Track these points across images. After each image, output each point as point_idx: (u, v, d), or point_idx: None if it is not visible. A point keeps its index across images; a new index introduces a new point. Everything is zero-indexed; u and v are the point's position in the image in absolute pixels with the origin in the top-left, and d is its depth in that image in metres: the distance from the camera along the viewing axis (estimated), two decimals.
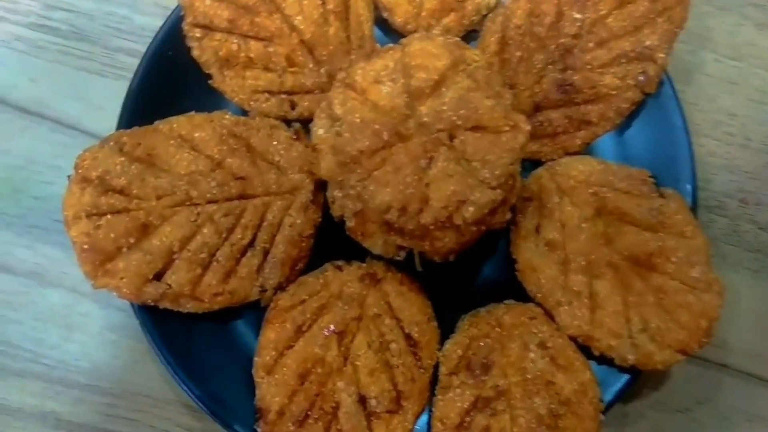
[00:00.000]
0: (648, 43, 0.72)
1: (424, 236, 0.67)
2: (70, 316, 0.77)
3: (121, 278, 0.66)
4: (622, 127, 0.76)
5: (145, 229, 0.67)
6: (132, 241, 0.66)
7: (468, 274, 0.76)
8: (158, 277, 0.67)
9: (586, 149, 0.76)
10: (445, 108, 0.63)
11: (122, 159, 0.68)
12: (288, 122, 0.75)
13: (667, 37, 0.72)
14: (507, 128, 0.65)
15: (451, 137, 0.61)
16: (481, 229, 0.67)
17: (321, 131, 0.69)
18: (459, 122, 0.63)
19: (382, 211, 0.65)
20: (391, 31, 0.80)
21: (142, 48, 0.76)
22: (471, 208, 0.63)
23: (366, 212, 0.68)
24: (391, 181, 0.61)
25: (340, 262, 0.73)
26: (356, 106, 0.65)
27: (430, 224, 0.64)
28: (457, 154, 0.63)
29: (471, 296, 0.75)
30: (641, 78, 0.73)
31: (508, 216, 0.69)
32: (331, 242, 0.73)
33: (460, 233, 0.66)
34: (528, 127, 0.65)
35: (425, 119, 0.63)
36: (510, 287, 0.72)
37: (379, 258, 0.69)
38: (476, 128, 0.64)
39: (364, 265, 0.73)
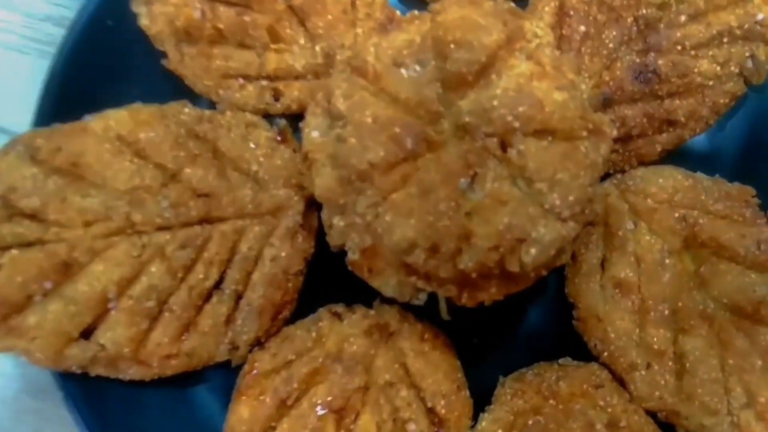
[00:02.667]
0: (760, 16, 0.62)
1: (461, 285, 0.53)
2: None
3: (33, 338, 0.56)
4: (716, 129, 0.67)
5: (67, 269, 0.56)
6: (49, 285, 0.56)
7: (509, 321, 0.67)
8: (87, 334, 0.57)
9: (668, 158, 0.66)
10: (495, 103, 0.49)
11: (35, 170, 0.56)
12: (271, 118, 0.65)
13: None
14: (585, 133, 0.50)
15: (505, 146, 0.50)
16: (542, 273, 0.53)
17: (316, 134, 0.54)
18: (516, 124, 0.49)
19: (403, 251, 0.50)
20: None
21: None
22: (533, 250, 0.49)
23: (378, 249, 0.53)
24: (416, 208, 0.49)
25: (339, 308, 0.63)
26: (367, 100, 0.51)
27: (472, 271, 0.50)
28: (513, 170, 0.50)
29: (513, 352, 0.66)
30: (749, 64, 0.63)
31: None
32: (327, 279, 0.63)
33: (512, 281, 0.52)
34: (614, 132, 0.52)
35: (467, 119, 0.50)
36: (565, 340, 0.63)
37: (391, 301, 0.59)
38: (542, 133, 0.49)
39: (371, 312, 0.62)
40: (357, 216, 0.52)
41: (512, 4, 0.54)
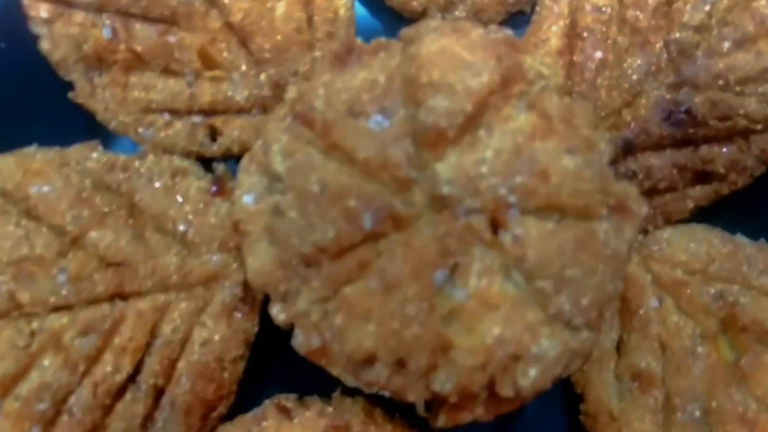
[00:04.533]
0: None
1: (436, 405, 0.44)
2: None
3: None
4: (762, 181, 0.60)
5: None
6: None
7: (501, 418, 0.56)
8: None
9: (701, 215, 0.60)
10: (484, 170, 0.40)
11: None
12: (206, 163, 0.60)
13: None
14: (605, 212, 0.41)
15: (496, 226, 0.41)
16: (545, 390, 0.43)
17: (249, 199, 0.46)
18: (512, 199, 0.40)
19: (359, 363, 0.42)
20: (384, 9, 0.65)
21: None
22: (532, 370, 0.40)
23: (330, 353, 0.44)
24: (376, 309, 0.41)
25: (289, 401, 0.55)
26: (313, 160, 0.43)
27: (451, 394, 0.41)
28: (508, 261, 0.41)
29: None
30: None
31: None
32: (275, 362, 0.59)
33: (504, 403, 0.43)
34: (645, 210, 0.43)
35: (446, 189, 0.41)
36: None
37: (354, 391, 0.51)
38: (546, 211, 0.41)
39: (329, 408, 0.55)
40: (301, 311, 0.43)
41: (508, 33, 0.44)
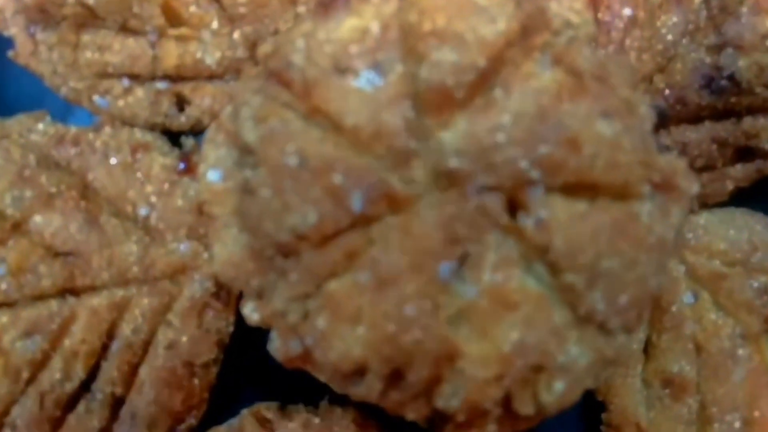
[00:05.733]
0: None
1: (439, 422, 0.37)
2: None
3: None
4: None
5: None
6: None
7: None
8: None
9: (742, 198, 0.55)
10: (501, 138, 0.34)
11: None
12: (173, 137, 0.55)
13: None
14: (649, 189, 0.35)
15: (515, 208, 0.34)
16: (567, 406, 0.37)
17: (215, 175, 0.40)
18: (535, 173, 0.34)
19: (346, 377, 0.36)
20: None
21: None
22: (559, 384, 0.34)
23: (313, 360, 0.38)
24: (367, 309, 0.34)
25: (269, 411, 0.51)
26: (292, 126, 0.36)
27: (459, 411, 0.35)
28: (529, 250, 0.34)
29: None
30: None
31: None
32: (253, 365, 0.54)
33: (518, 422, 0.37)
34: (695, 189, 0.36)
35: (453, 163, 0.34)
36: None
37: (345, 400, 0.46)
38: (576, 189, 0.34)
39: (315, 419, 0.51)
40: (277, 311, 0.37)
41: None
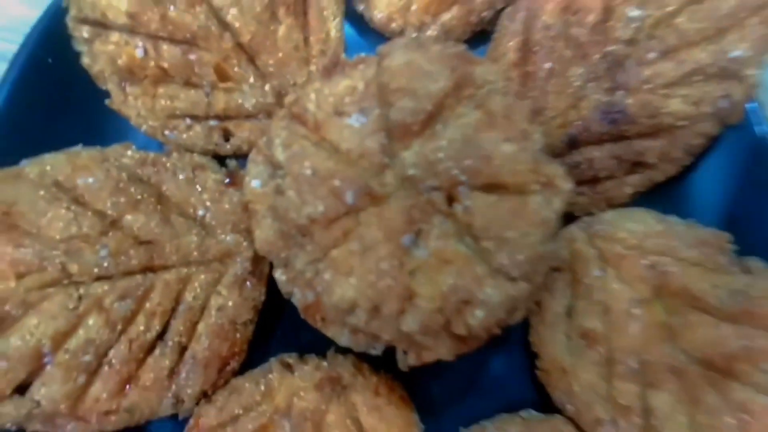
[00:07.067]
0: (734, 53, 0.59)
1: (406, 344, 0.50)
2: None
3: None
4: (689, 171, 0.64)
5: None
6: None
7: (470, 370, 0.65)
8: (21, 390, 0.55)
9: (639, 200, 0.64)
10: (441, 156, 0.46)
11: None
12: (220, 159, 0.64)
13: (762, 46, 0.59)
14: (537, 187, 0.47)
15: (451, 200, 0.47)
16: (495, 332, 0.49)
17: (256, 183, 0.52)
18: (463, 177, 0.46)
19: (343, 312, 0.48)
20: (368, 30, 0.69)
21: (15, 49, 0.64)
22: (479, 312, 0.46)
23: (321, 305, 0.50)
24: (356, 267, 0.47)
25: (290, 358, 0.60)
26: (306, 150, 0.49)
27: (416, 332, 0.47)
28: (460, 227, 0.47)
29: (474, 402, 0.64)
30: (722, 104, 0.60)
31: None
32: (279, 327, 0.63)
33: (461, 342, 0.49)
34: (568, 186, 0.48)
35: (411, 171, 0.47)
36: (529, 390, 0.62)
37: (347, 350, 0.56)
38: (489, 187, 0.47)
39: (324, 363, 0.60)
40: (298, 272, 0.50)
41: (463, 48, 0.51)
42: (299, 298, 0.51)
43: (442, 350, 0.49)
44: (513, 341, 0.65)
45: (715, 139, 0.63)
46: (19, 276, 0.55)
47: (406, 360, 0.50)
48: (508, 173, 0.46)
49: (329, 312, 0.50)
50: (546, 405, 0.60)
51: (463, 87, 0.48)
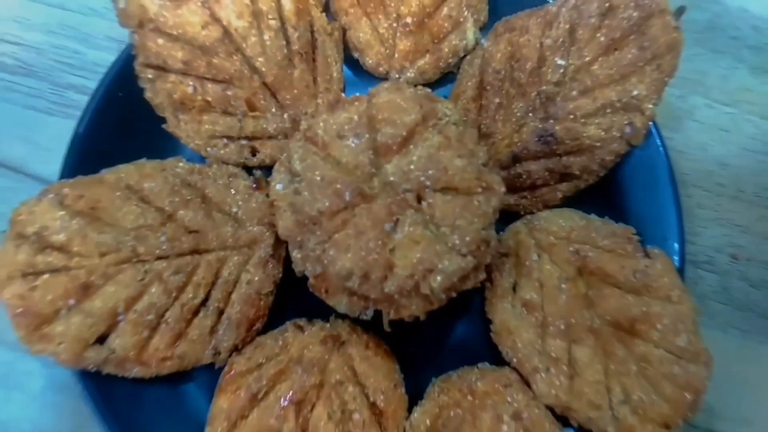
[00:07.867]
0: (635, 92, 0.68)
1: (388, 303, 0.61)
2: (11, 375, 0.71)
3: (59, 343, 0.61)
4: (606, 180, 0.72)
5: (86, 290, 0.61)
6: (72, 302, 0.61)
7: (440, 333, 0.72)
8: (101, 340, 0.62)
9: (568, 202, 0.72)
10: (412, 167, 0.59)
11: (62, 213, 0.62)
12: (249, 170, 0.71)
13: (656, 87, 0.68)
14: (479, 190, 0.59)
15: (419, 199, 0.58)
16: (451, 295, 0.61)
17: (279, 187, 0.64)
18: (427, 183, 0.58)
19: (343, 278, 0.59)
20: (362, 72, 0.78)
21: (94, 85, 0.71)
22: (439, 278, 0.58)
23: (327, 275, 0.62)
24: (352, 245, 0.58)
25: (301, 322, 0.68)
26: (317, 163, 0.60)
27: (395, 293, 0.59)
28: (425, 217, 0.58)
29: (443, 358, 0.70)
30: (627, 130, 0.69)
31: (482, 276, 0.64)
32: (293, 298, 0.68)
33: (427, 301, 0.61)
34: (502, 189, 0.60)
35: (391, 178, 0.59)
36: (485, 349, 0.68)
37: (344, 316, 0.64)
38: (446, 190, 0.59)
39: (327, 325, 0.68)
40: (310, 250, 0.61)
41: (428, 91, 0.63)
42: (310, 270, 0.61)
43: (414, 307, 0.60)
44: (473, 311, 0.72)
45: (623, 156, 0.71)
46: (102, 255, 0.62)
47: (389, 317, 0.61)
48: (459, 180, 0.58)
49: (332, 281, 0.60)
50: (498, 359, 0.67)
51: (428, 119, 0.60)
